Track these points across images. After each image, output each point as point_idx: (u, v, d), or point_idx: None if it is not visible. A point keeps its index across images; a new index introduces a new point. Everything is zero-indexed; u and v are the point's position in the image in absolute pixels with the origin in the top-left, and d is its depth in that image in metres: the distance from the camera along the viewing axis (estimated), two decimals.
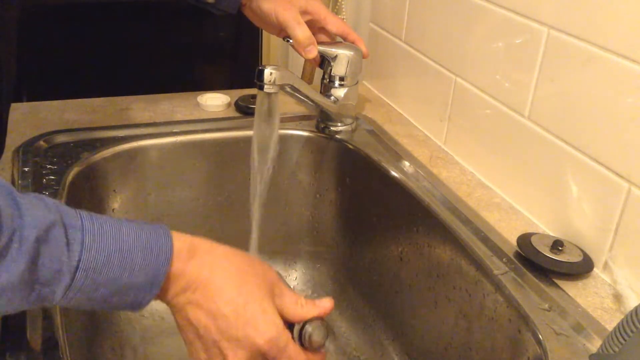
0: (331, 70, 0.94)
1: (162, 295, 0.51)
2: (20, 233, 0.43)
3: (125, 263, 0.47)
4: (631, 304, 0.65)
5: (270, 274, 0.56)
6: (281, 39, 0.91)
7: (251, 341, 0.51)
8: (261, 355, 0.52)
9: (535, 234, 0.74)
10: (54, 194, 0.79)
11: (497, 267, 0.71)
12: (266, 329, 0.52)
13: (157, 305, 0.99)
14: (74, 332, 0.74)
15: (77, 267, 0.45)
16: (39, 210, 0.45)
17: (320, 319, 0.56)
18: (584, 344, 0.62)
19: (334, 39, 0.95)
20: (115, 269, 0.47)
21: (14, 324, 0.59)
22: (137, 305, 0.50)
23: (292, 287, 1.06)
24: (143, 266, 0.48)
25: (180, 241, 0.51)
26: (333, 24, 0.92)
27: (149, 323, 0.96)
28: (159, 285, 0.49)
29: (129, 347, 0.92)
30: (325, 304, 0.56)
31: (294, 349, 0.53)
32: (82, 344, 0.79)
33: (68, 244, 0.45)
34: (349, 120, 1.00)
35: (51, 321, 0.60)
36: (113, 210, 0.93)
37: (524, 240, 0.73)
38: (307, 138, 1.00)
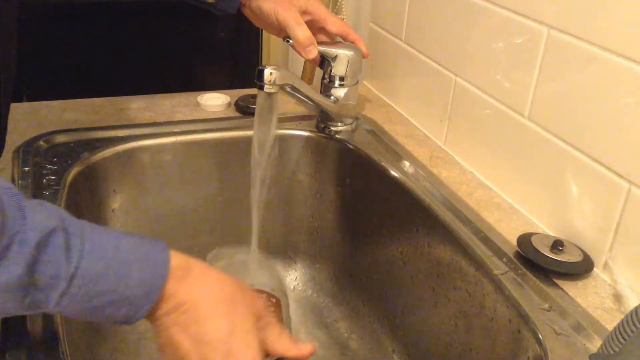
0: (331, 70, 0.94)
1: (151, 313, 0.50)
2: (22, 235, 0.43)
3: (122, 274, 0.47)
4: (631, 304, 0.65)
5: (258, 304, 0.55)
6: (281, 39, 0.91)
7: None
8: None
9: (535, 234, 0.74)
10: (54, 194, 0.79)
11: (497, 267, 0.71)
12: None
13: None
14: (74, 332, 0.74)
15: (73, 275, 0.45)
16: (42, 215, 0.45)
17: None
18: (584, 344, 0.62)
19: (334, 39, 0.95)
20: (111, 279, 0.47)
21: (14, 324, 0.59)
22: (129, 319, 0.49)
23: (292, 287, 1.06)
24: (139, 279, 0.48)
25: (177, 259, 0.51)
26: (333, 24, 0.92)
27: (149, 323, 0.96)
28: (154, 300, 0.49)
29: (129, 347, 0.92)
30: (306, 348, 0.56)
31: None
32: (82, 344, 0.79)
33: (68, 250, 0.45)
34: (349, 120, 1.00)
35: (51, 321, 0.60)
36: (113, 210, 0.93)
37: (524, 240, 0.73)
38: (307, 138, 1.00)
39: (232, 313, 0.52)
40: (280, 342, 0.55)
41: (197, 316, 0.51)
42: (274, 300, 0.75)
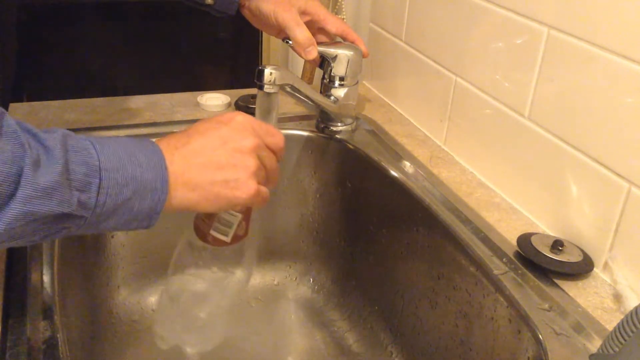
0: (331, 70, 0.94)
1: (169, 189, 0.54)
2: (44, 146, 0.47)
3: (134, 161, 0.52)
4: (631, 304, 0.65)
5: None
6: (281, 40, 0.91)
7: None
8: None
9: (535, 234, 0.74)
10: None
11: (497, 267, 0.71)
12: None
13: (156, 307, 0.99)
14: (74, 332, 0.74)
15: (99, 167, 0.49)
16: (47, 131, 0.49)
17: None
18: (584, 344, 0.62)
19: (334, 39, 0.95)
20: (128, 166, 0.51)
21: (14, 324, 0.59)
22: (155, 209, 0.53)
23: (292, 287, 1.06)
24: (148, 163, 0.52)
25: (160, 141, 0.56)
26: (332, 24, 0.92)
27: (149, 324, 0.96)
28: (167, 178, 0.53)
29: (129, 347, 0.92)
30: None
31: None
32: (82, 344, 0.79)
33: (85, 149, 0.50)
34: (349, 120, 1.00)
35: (51, 321, 0.60)
36: None
37: (524, 240, 0.73)
38: (307, 138, 1.00)
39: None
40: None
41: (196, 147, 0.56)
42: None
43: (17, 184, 0.44)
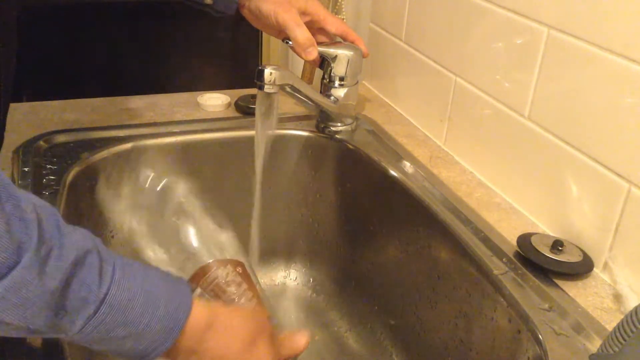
0: (331, 70, 0.94)
1: (170, 350, 0.49)
2: (59, 251, 0.42)
3: (148, 307, 0.47)
4: (631, 304, 0.65)
5: (271, 330, 0.58)
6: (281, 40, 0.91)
7: None
8: None
9: (535, 234, 0.74)
10: (54, 194, 0.79)
11: (497, 267, 0.71)
12: None
13: None
14: None
15: (103, 300, 0.45)
16: (78, 235, 0.45)
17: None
18: (584, 344, 0.62)
19: (334, 39, 0.95)
20: (137, 310, 0.46)
21: None
22: (147, 355, 0.49)
23: (292, 287, 1.06)
24: (164, 314, 0.48)
25: (200, 306, 0.51)
26: (332, 24, 0.92)
27: None
28: (174, 337, 0.48)
29: None
30: (301, 341, 0.60)
31: None
32: (82, 345, 0.78)
33: (100, 274, 0.45)
34: (349, 120, 1.00)
35: None
36: (113, 210, 0.93)
37: (524, 240, 0.73)
38: (307, 138, 1.00)
39: (252, 352, 0.54)
40: (283, 349, 0.58)
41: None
42: (240, 271, 0.73)
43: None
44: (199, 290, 0.63)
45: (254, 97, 1.03)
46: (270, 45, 1.42)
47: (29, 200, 0.43)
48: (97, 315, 0.44)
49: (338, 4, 1.11)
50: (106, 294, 0.45)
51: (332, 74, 0.94)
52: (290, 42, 0.88)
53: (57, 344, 0.57)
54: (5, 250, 0.39)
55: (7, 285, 0.39)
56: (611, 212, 0.69)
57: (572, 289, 0.69)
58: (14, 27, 0.67)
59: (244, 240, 0.88)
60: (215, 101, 1.05)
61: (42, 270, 0.41)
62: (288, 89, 1.10)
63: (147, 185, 0.96)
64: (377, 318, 0.96)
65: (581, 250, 0.72)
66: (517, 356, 0.66)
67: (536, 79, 0.77)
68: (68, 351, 0.58)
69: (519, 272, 0.71)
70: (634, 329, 0.48)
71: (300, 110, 1.07)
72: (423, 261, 0.84)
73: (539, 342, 0.62)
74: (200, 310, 0.50)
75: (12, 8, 0.66)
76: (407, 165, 0.91)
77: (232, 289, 0.63)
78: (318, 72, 1.01)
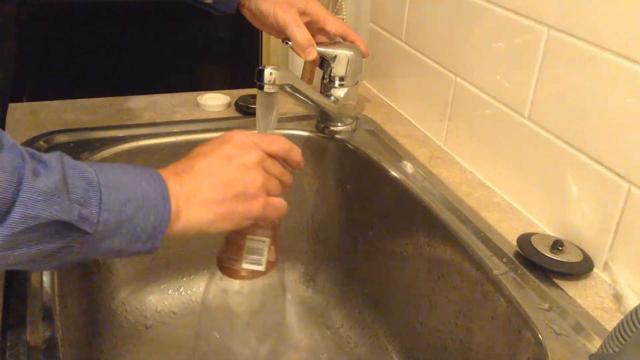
0: (331, 70, 0.94)
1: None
2: (42, 160, 0.47)
3: (134, 184, 0.52)
4: (631, 304, 0.65)
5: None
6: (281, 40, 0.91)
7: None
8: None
9: (535, 234, 0.74)
10: None
11: (497, 267, 0.71)
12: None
13: (158, 307, 0.99)
14: (74, 332, 0.74)
15: (98, 182, 0.49)
16: (45, 154, 0.49)
17: None
18: (584, 344, 0.62)
19: (334, 40, 0.95)
20: (128, 188, 0.51)
21: (14, 324, 0.59)
22: (159, 227, 0.52)
23: (292, 288, 1.06)
24: (150, 185, 0.53)
25: (164, 169, 0.57)
26: (332, 24, 0.92)
27: (149, 324, 0.96)
28: (169, 197, 0.53)
29: (128, 347, 0.92)
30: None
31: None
32: (82, 344, 0.79)
33: (83, 167, 0.50)
34: (349, 120, 1.00)
35: (51, 321, 0.60)
36: None
37: (524, 240, 0.73)
38: (307, 138, 1.00)
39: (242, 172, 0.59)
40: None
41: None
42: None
43: (18, 190, 0.44)
44: None
45: (254, 97, 1.03)
46: (270, 45, 1.42)
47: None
48: (102, 196, 0.49)
49: (338, 4, 1.11)
50: (98, 177, 0.50)
51: (332, 74, 0.94)
52: (290, 43, 0.88)
53: (57, 344, 0.57)
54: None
55: (28, 189, 0.45)
56: (611, 212, 0.69)
57: (572, 289, 0.69)
58: (14, 26, 0.68)
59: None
60: (215, 101, 1.05)
61: (39, 173, 0.46)
62: (288, 89, 1.10)
63: None
64: (377, 318, 0.96)
65: (581, 250, 0.72)
66: (517, 356, 0.66)
67: (536, 79, 0.77)
68: (68, 351, 0.58)
69: (519, 272, 0.71)
70: (634, 329, 0.48)
71: (300, 110, 1.07)
72: (423, 261, 0.84)
73: (539, 342, 0.62)
74: (172, 165, 0.57)
75: (12, 8, 0.66)
76: (407, 165, 0.91)
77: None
78: (318, 72, 1.01)
